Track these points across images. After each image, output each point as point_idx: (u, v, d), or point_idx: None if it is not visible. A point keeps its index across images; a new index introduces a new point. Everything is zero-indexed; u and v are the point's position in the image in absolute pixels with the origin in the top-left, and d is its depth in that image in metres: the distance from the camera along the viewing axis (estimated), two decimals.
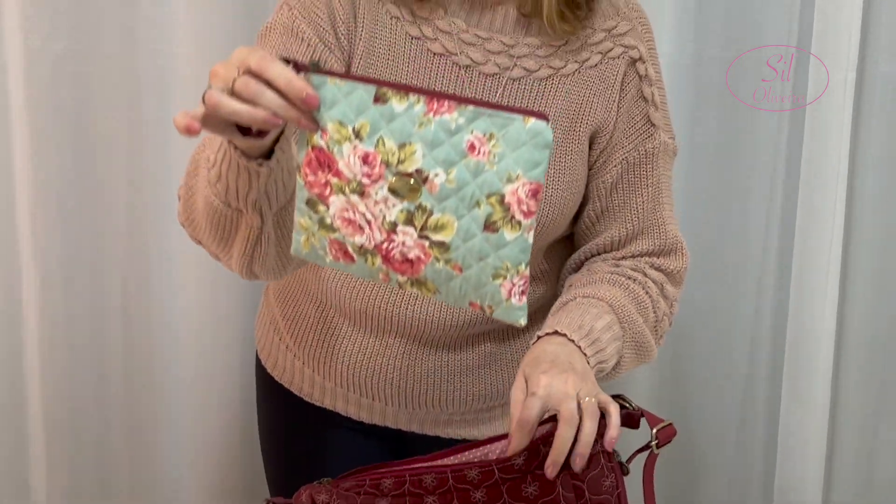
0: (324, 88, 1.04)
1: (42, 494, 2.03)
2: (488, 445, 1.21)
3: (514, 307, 1.08)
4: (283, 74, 1.02)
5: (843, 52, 1.81)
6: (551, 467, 1.13)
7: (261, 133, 1.08)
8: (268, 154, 1.13)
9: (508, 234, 1.05)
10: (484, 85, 1.39)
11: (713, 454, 2.07)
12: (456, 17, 1.39)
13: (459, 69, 1.38)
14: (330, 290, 1.45)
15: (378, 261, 1.10)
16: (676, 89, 1.81)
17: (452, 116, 1.03)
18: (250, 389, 1.69)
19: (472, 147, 1.03)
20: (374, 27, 1.37)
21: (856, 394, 2.01)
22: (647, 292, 1.42)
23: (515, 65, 1.40)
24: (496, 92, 1.39)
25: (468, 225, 1.05)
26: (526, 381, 1.18)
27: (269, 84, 1.02)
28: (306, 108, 1.04)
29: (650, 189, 1.44)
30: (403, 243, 1.08)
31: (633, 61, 1.44)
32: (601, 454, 1.16)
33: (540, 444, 1.16)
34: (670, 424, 1.21)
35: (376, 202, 1.07)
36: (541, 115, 1.01)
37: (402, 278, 1.10)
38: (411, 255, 1.08)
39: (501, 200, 1.04)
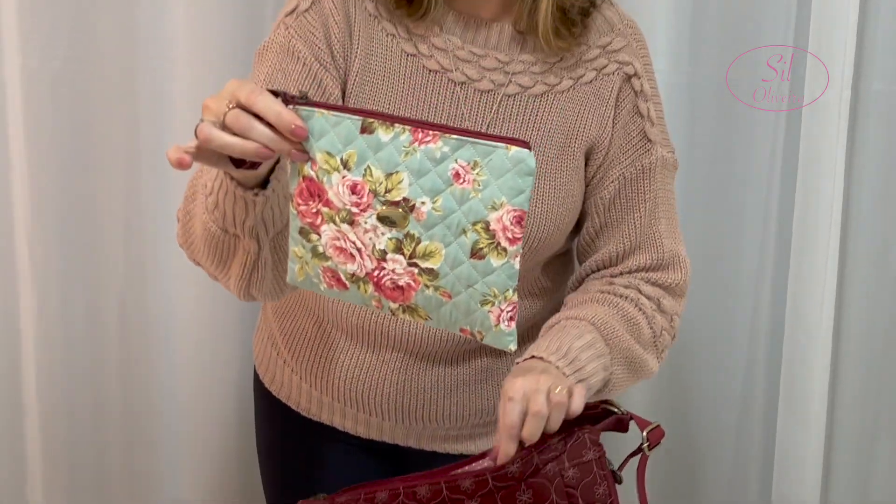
0: (312, 120, 1.06)
1: None
2: (478, 462, 1.23)
3: (503, 333, 1.10)
4: (272, 107, 1.04)
5: (840, 52, 1.82)
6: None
7: (254, 164, 1.10)
8: (263, 183, 1.15)
9: (495, 260, 1.06)
10: (479, 101, 1.40)
11: (711, 466, 2.07)
12: (451, 35, 1.40)
13: (455, 86, 1.39)
14: (327, 305, 1.46)
15: (370, 288, 1.12)
16: (671, 106, 1.81)
17: (437, 145, 1.04)
18: (248, 404, 1.70)
19: (457, 175, 1.05)
20: (369, 45, 1.38)
21: (852, 407, 2.01)
22: (639, 309, 1.42)
23: (510, 81, 1.41)
24: (491, 108, 1.40)
25: (455, 252, 1.07)
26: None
27: (258, 117, 1.04)
28: (295, 139, 1.05)
29: (647, 204, 1.45)
30: (393, 271, 1.09)
31: (628, 77, 1.45)
32: (594, 462, 1.17)
33: (534, 453, 1.18)
34: (658, 426, 1.23)
35: (366, 231, 1.08)
36: (523, 144, 1.03)
37: (394, 305, 1.12)
38: (401, 283, 1.10)
39: (487, 227, 1.05)
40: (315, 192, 1.09)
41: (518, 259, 1.06)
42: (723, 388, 2.03)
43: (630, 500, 1.23)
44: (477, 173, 1.04)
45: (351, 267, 1.11)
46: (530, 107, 1.41)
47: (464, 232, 1.06)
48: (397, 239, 1.08)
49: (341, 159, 1.07)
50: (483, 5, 1.40)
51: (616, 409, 1.24)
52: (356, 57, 1.38)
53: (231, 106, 1.04)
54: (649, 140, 1.45)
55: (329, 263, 1.12)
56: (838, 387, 2.00)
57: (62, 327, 1.96)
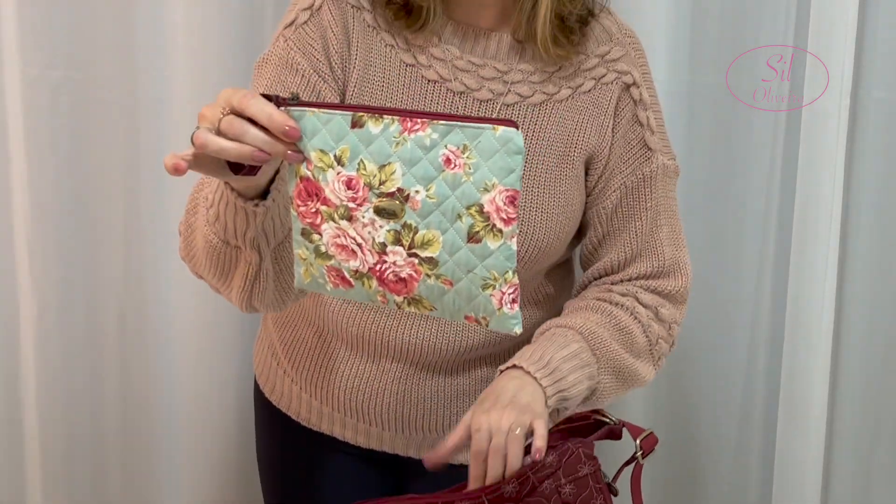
0: (304, 119, 1.07)
1: None
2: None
3: (507, 316, 1.09)
4: (264, 110, 1.04)
5: (839, 61, 1.82)
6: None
7: (252, 170, 1.10)
8: (264, 194, 1.16)
9: (491, 243, 1.06)
10: (478, 111, 1.40)
11: (711, 472, 2.07)
12: (450, 45, 1.40)
13: (454, 95, 1.40)
14: (327, 315, 1.46)
15: (374, 283, 1.12)
16: (671, 112, 1.81)
17: (426, 133, 1.05)
18: (248, 414, 1.70)
19: (447, 161, 1.05)
20: (368, 55, 1.39)
21: (852, 414, 2.00)
22: (634, 317, 1.42)
23: (509, 90, 1.41)
24: (490, 117, 1.40)
25: (453, 238, 1.07)
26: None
27: (253, 121, 1.05)
28: (289, 140, 1.06)
29: (649, 213, 1.45)
30: (395, 263, 1.09)
31: (627, 86, 1.45)
32: (589, 477, 1.17)
33: (529, 473, 1.18)
34: (651, 433, 1.24)
35: (364, 225, 1.09)
36: (510, 123, 1.03)
37: (398, 298, 1.12)
38: (403, 274, 1.10)
39: (481, 210, 1.05)
40: (312, 191, 1.09)
41: (514, 240, 1.06)
42: (722, 395, 2.03)
43: None
44: (467, 157, 1.04)
45: (353, 263, 1.11)
46: (529, 116, 1.42)
47: (459, 217, 1.06)
48: (395, 230, 1.08)
49: (335, 156, 1.07)
50: (482, 15, 1.41)
51: (608, 419, 1.25)
52: (355, 67, 1.38)
53: (225, 112, 1.05)
54: (649, 148, 1.46)
55: (332, 262, 1.12)
56: (838, 393, 1.99)
57: (62, 335, 1.95)
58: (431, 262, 1.08)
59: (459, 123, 1.04)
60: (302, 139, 1.07)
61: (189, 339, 1.97)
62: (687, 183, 1.77)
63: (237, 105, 1.05)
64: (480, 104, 1.40)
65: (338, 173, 1.07)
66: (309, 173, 1.08)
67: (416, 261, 1.09)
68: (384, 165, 1.06)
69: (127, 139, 1.90)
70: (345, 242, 1.10)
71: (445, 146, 1.05)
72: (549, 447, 1.20)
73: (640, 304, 1.44)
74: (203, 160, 1.06)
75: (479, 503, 1.17)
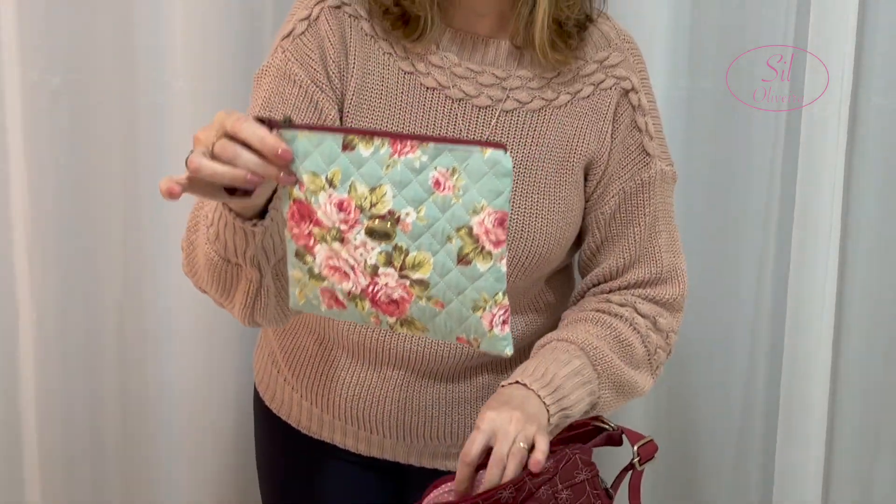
0: (296, 142, 1.08)
1: None
2: (440, 487, 1.25)
3: (498, 337, 1.10)
4: (256, 133, 1.05)
5: (838, 68, 1.82)
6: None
7: (246, 192, 1.11)
8: (262, 213, 1.17)
9: (481, 265, 1.07)
10: (477, 117, 1.40)
11: (711, 475, 2.07)
12: (448, 52, 1.40)
13: (452, 102, 1.40)
14: (328, 323, 1.46)
15: (367, 305, 1.12)
16: (670, 118, 1.81)
17: (416, 155, 1.05)
18: (247, 421, 1.70)
19: (437, 183, 1.06)
20: (366, 64, 1.39)
21: (853, 417, 2.01)
22: (633, 328, 1.43)
23: (508, 97, 1.41)
24: (489, 124, 1.40)
25: (443, 260, 1.08)
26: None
27: (245, 144, 1.05)
28: (281, 163, 1.07)
29: (647, 218, 1.45)
30: (387, 285, 1.10)
31: (626, 92, 1.45)
32: (586, 483, 1.18)
33: (526, 479, 1.18)
34: (651, 440, 1.24)
35: (356, 247, 1.10)
36: (498, 145, 1.04)
37: (391, 319, 1.12)
38: (395, 296, 1.11)
39: (470, 232, 1.06)
40: (305, 213, 1.10)
41: (504, 261, 1.07)
42: (722, 398, 2.03)
43: None
44: (456, 179, 1.05)
45: (346, 285, 1.12)
46: (528, 122, 1.42)
47: (449, 239, 1.07)
48: (387, 252, 1.09)
49: (326, 178, 1.08)
50: (480, 23, 1.41)
51: (607, 426, 1.25)
52: (353, 76, 1.38)
53: (219, 136, 1.06)
54: (648, 154, 1.46)
55: (326, 284, 1.13)
56: (839, 397, 1.99)
57: (61, 341, 1.95)
58: (423, 283, 1.09)
59: (449, 146, 1.05)
60: (294, 162, 1.08)
61: (188, 346, 1.97)
62: (686, 186, 1.78)
63: (230, 128, 1.06)
64: (479, 111, 1.40)
65: (329, 195, 1.08)
66: (302, 195, 1.09)
67: (408, 282, 1.09)
68: (375, 188, 1.07)
69: (126, 144, 1.90)
70: (337, 264, 1.11)
71: (435, 168, 1.05)
72: (548, 455, 1.20)
73: (639, 314, 1.44)
74: (198, 183, 1.07)
75: None
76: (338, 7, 1.39)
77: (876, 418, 2.00)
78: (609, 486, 1.24)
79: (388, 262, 1.09)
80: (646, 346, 1.43)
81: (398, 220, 1.07)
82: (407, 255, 1.08)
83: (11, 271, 1.92)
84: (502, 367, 1.49)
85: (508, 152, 1.04)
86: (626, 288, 1.46)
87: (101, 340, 1.98)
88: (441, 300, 1.09)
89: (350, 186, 1.07)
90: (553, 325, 1.48)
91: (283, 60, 1.38)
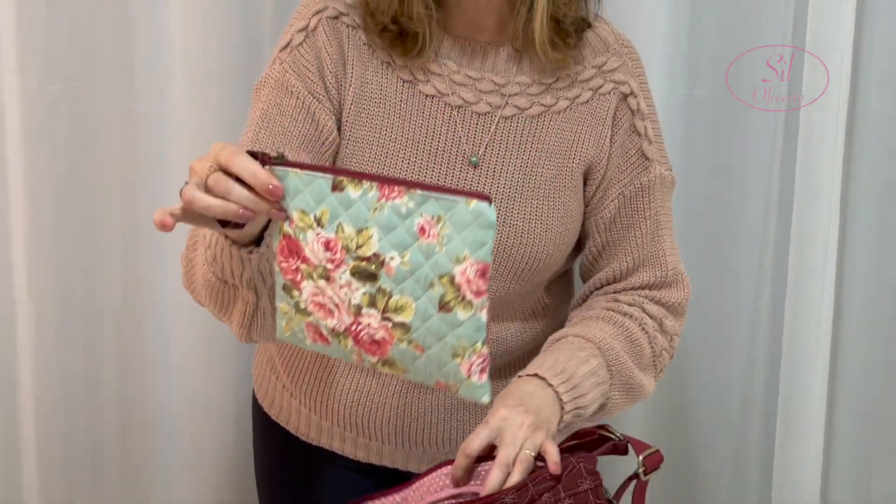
0: (287, 179, 1.09)
1: None
2: (438, 470, 1.24)
3: (475, 385, 1.11)
4: (248, 168, 1.07)
5: (836, 75, 1.82)
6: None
7: (238, 225, 1.12)
8: (258, 240, 1.18)
9: (461, 313, 1.08)
10: (476, 124, 1.40)
11: (710, 470, 2.06)
12: (447, 59, 1.40)
13: (451, 109, 1.40)
14: None
15: (350, 343, 1.14)
16: (669, 123, 1.81)
17: (403, 201, 1.07)
18: (246, 426, 1.69)
19: (422, 230, 1.07)
20: (364, 73, 1.39)
21: (852, 410, 2.00)
22: (643, 329, 1.42)
23: (507, 103, 1.41)
24: (488, 130, 1.40)
25: (425, 306, 1.09)
26: None
27: (237, 178, 1.07)
28: (272, 198, 1.08)
29: (648, 221, 1.45)
30: (369, 325, 1.12)
31: (625, 96, 1.45)
32: (590, 492, 1.17)
33: (528, 484, 1.17)
34: (657, 451, 1.23)
35: (341, 286, 1.11)
36: (483, 197, 1.05)
37: (373, 359, 1.14)
38: (378, 337, 1.12)
39: (452, 281, 1.07)
40: (294, 249, 1.12)
41: (485, 311, 1.08)
42: (721, 400, 2.02)
43: None
44: (441, 227, 1.06)
45: (331, 322, 1.14)
46: (527, 128, 1.42)
47: (431, 285, 1.08)
48: (370, 294, 1.10)
49: (315, 217, 1.10)
50: (479, 29, 1.41)
51: (613, 435, 1.24)
52: (351, 86, 1.39)
53: (213, 169, 1.08)
54: (647, 158, 1.46)
55: (311, 319, 1.15)
56: (837, 398, 1.99)
57: (59, 346, 1.95)
58: (404, 326, 1.11)
59: (435, 194, 1.06)
60: (285, 198, 1.10)
61: (187, 351, 1.97)
62: (685, 189, 1.78)
63: (223, 161, 1.07)
64: (478, 117, 1.40)
65: (317, 234, 1.10)
66: (291, 231, 1.11)
67: (390, 325, 1.11)
68: (362, 230, 1.09)
69: (125, 152, 1.90)
70: (323, 301, 1.13)
71: (421, 215, 1.06)
72: None
73: (647, 314, 1.44)
74: (192, 214, 1.09)
75: None
76: (335, 17, 1.40)
77: (874, 421, 2.00)
78: (612, 496, 1.23)
79: (372, 304, 1.11)
80: (652, 348, 1.43)
81: (383, 263, 1.09)
82: (390, 297, 1.10)
83: (10, 278, 1.92)
84: (503, 373, 1.49)
85: (493, 204, 1.05)
86: (632, 290, 1.46)
87: (99, 347, 1.98)
88: (421, 344, 1.11)
89: (337, 227, 1.09)
90: (551, 331, 1.48)
91: (280, 72, 1.39)
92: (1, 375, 1.96)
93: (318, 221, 1.09)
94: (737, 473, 2.04)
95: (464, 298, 1.07)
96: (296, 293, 1.14)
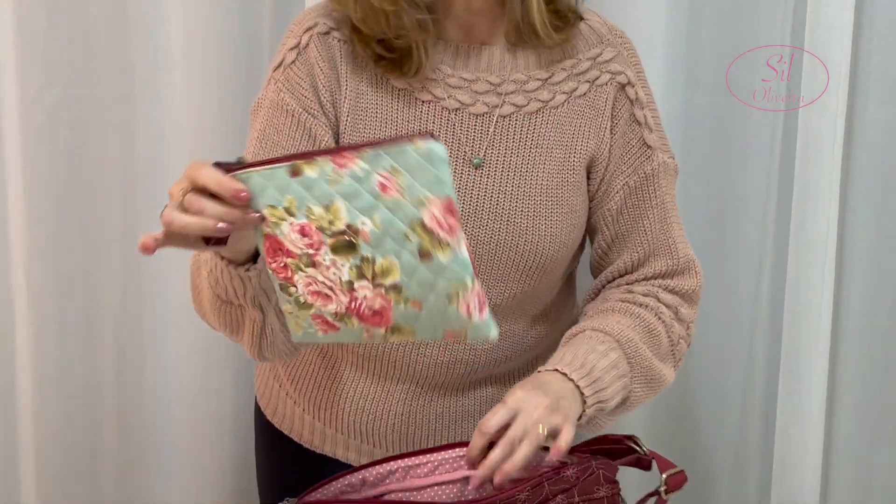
0: (251, 181, 1.10)
1: None
2: (446, 451, 1.24)
3: (479, 324, 1.10)
4: (213, 177, 1.09)
5: (834, 81, 1.81)
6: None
7: (220, 241, 1.14)
8: (255, 256, 1.20)
9: (442, 256, 1.07)
10: (474, 125, 1.40)
11: (709, 481, 2.06)
12: (441, 64, 1.40)
13: (448, 113, 1.40)
14: None
15: (355, 322, 1.14)
16: (667, 122, 1.79)
17: (358, 165, 1.06)
18: (246, 430, 1.70)
19: (383, 187, 1.06)
20: (358, 85, 1.39)
21: (852, 412, 1.99)
22: (659, 318, 1.42)
23: (504, 102, 1.41)
24: (487, 131, 1.40)
25: (408, 260, 1.09)
26: None
27: (207, 190, 1.09)
28: (240, 203, 1.09)
29: (656, 210, 1.45)
30: (365, 297, 1.12)
31: (622, 86, 1.45)
32: (605, 500, 1.17)
33: (544, 481, 1.17)
34: (682, 471, 1.21)
35: (327, 267, 1.12)
36: (426, 134, 1.04)
37: (381, 331, 1.14)
38: (376, 306, 1.12)
39: (424, 226, 1.06)
40: (276, 246, 1.13)
41: (463, 247, 1.07)
42: (721, 397, 2.00)
43: None
44: (399, 178, 1.05)
45: (331, 307, 1.14)
46: (526, 125, 1.41)
47: (407, 238, 1.07)
48: (356, 265, 1.11)
49: (284, 208, 1.10)
50: (472, 31, 1.41)
51: (639, 448, 1.23)
52: (346, 98, 1.39)
53: (186, 190, 1.09)
54: (649, 147, 1.45)
55: (313, 310, 1.15)
56: (837, 394, 1.98)
57: (58, 351, 1.95)
58: (396, 288, 1.10)
59: (384, 148, 1.05)
60: (253, 200, 1.10)
61: (185, 353, 1.97)
62: (685, 189, 1.76)
63: (191, 176, 1.09)
64: (476, 118, 1.40)
65: (291, 224, 1.11)
66: (269, 230, 1.12)
67: (383, 290, 1.11)
68: (329, 206, 1.09)
69: (124, 158, 1.91)
70: (318, 288, 1.14)
71: (377, 173, 1.06)
72: (572, 464, 1.19)
73: (662, 303, 1.43)
74: (174, 236, 1.11)
75: None
76: (326, 33, 1.39)
77: (874, 421, 1.99)
78: None
79: (361, 275, 1.11)
80: (670, 337, 1.42)
81: (357, 231, 1.09)
82: (374, 263, 1.10)
83: (9, 281, 1.92)
84: (507, 379, 1.49)
85: (439, 140, 1.04)
86: (645, 280, 1.46)
87: (98, 352, 1.98)
88: (418, 300, 1.10)
89: (307, 210, 1.09)
90: (553, 334, 1.48)
91: (275, 91, 1.40)
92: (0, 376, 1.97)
93: (288, 211, 1.10)
94: (737, 473, 2.03)
95: (439, 240, 1.06)
96: (292, 290, 1.15)
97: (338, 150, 1.07)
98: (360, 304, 1.13)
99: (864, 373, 1.97)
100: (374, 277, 1.10)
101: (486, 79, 1.40)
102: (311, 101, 1.38)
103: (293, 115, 1.38)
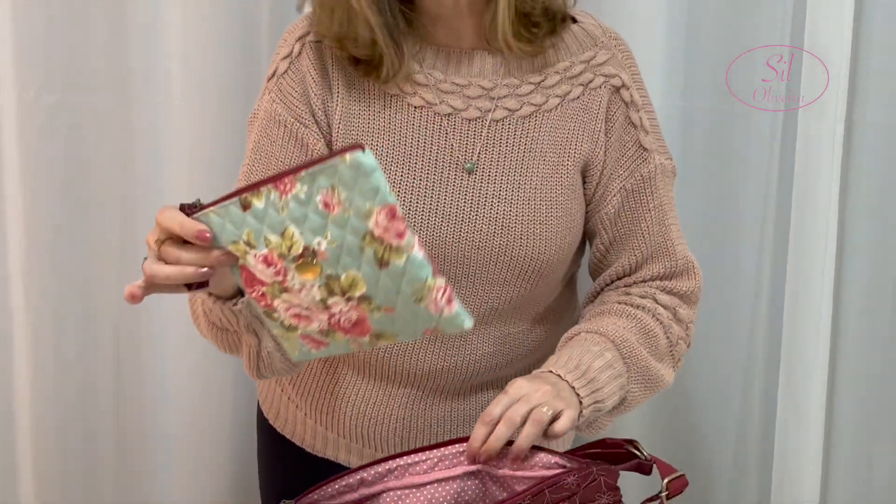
0: (209, 220, 1.12)
1: None
2: (445, 448, 1.24)
3: (450, 317, 1.11)
4: (175, 220, 1.12)
5: (833, 86, 1.80)
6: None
7: (201, 285, 1.16)
8: (242, 289, 1.20)
9: (398, 261, 1.08)
10: (467, 130, 1.40)
11: (709, 481, 2.06)
12: (433, 70, 1.40)
13: (441, 118, 1.40)
14: None
15: (340, 335, 1.16)
16: (665, 123, 1.79)
17: (298, 188, 1.07)
18: (245, 431, 1.70)
19: (326, 205, 1.07)
20: (350, 92, 1.40)
21: (851, 410, 1.99)
22: (657, 319, 1.42)
23: (497, 106, 1.41)
24: (480, 135, 1.40)
25: (368, 271, 1.09)
26: None
27: (175, 236, 1.11)
28: (202, 243, 1.11)
29: (654, 212, 1.45)
30: (341, 311, 1.13)
31: (617, 89, 1.44)
32: None
33: (545, 489, 1.16)
34: (682, 476, 1.20)
35: (298, 291, 1.13)
36: (354, 147, 1.04)
37: (365, 339, 1.15)
38: (354, 318, 1.13)
39: (373, 236, 1.07)
40: (250, 277, 1.14)
41: (416, 247, 1.07)
42: (720, 398, 2.00)
43: None
44: (338, 194, 1.06)
45: (314, 326, 1.16)
46: (519, 129, 1.41)
47: (361, 250, 1.08)
48: (323, 284, 1.11)
49: (244, 241, 1.11)
50: (461, 36, 1.41)
51: (640, 454, 1.22)
52: (338, 106, 1.39)
53: (160, 241, 1.13)
54: (645, 149, 1.45)
55: (300, 331, 1.17)
56: (837, 394, 1.97)
57: (56, 357, 1.96)
58: (366, 298, 1.11)
59: (317, 167, 1.05)
60: (216, 239, 1.12)
61: (185, 357, 1.97)
62: (685, 190, 1.76)
63: (158, 222, 1.12)
64: (469, 123, 1.40)
65: (255, 255, 1.12)
66: (241, 261, 1.13)
67: (355, 302, 1.12)
68: (283, 232, 1.09)
69: (122, 163, 1.91)
70: (297, 311, 1.15)
71: (317, 192, 1.07)
72: (572, 470, 1.18)
73: (660, 304, 1.44)
74: (157, 285, 1.14)
75: None
76: (319, 41, 1.40)
77: (873, 421, 1.98)
78: None
79: (331, 292, 1.12)
80: (668, 338, 1.43)
81: (315, 253, 1.10)
82: (339, 279, 1.11)
83: (7, 288, 1.92)
84: (507, 383, 1.49)
85: (367, 150, 1.04)
86: (643, 282, 1.46)
87: (97, 356, 1.98)
88: (388, 306, 1.11)
89: (265, 240, 1.10)
90: (555, 337, 1.48)
91: (269, 102, 1.41)
92: None
93: (248, 244, 1.11)
94: (736, 473, 2.03)
95: (391, 246, 1.07)
96: (276, 315, 1.16)
97: (278, 176, 1.08)
98: (339, 319, 1.14)
99: (864, 373, 1.97)
100: (343, 292, 1.11)
101: (479, 83, 1.40)
102: (303, 110, 1.39)
103: (286, 126, 1.39)
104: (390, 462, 1.25)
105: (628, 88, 1.45)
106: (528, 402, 1.20)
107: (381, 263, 1.08)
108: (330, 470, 1.50)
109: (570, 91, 1.43)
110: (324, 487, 1.23)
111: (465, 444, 1.23)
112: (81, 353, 1.98)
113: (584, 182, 1.45)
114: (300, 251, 1.10)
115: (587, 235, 1.49)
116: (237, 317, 1.24)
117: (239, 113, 1.72)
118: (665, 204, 1.46)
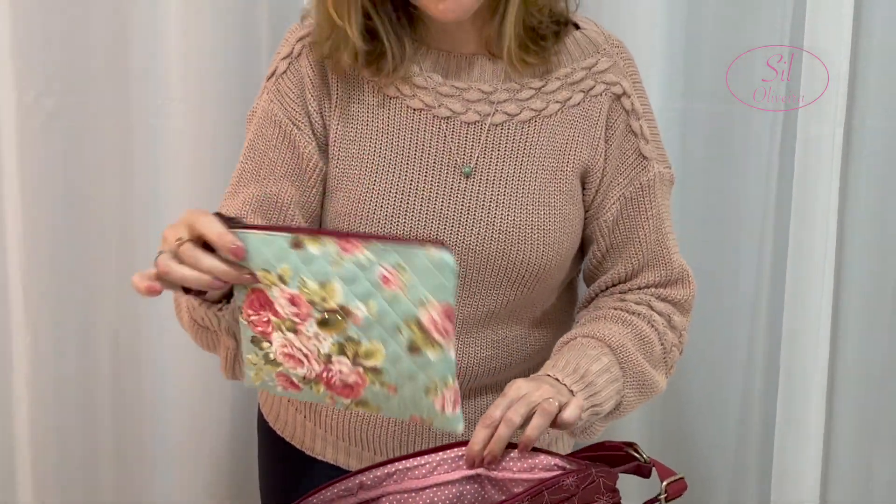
0: (248, 240, 1.11)
1: None
2: (444, 452, 1.24)
3: (449, 418, 1.13)
4: (213, 228, 1.10)
5: (833, 89, 1.80)
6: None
7: (201, 292, 1.16)
8: (229, 296, 1.21)
9: (431, 354, 1.09)
10: (466, 134, 1.40)
11: (708, 484, 2.06)
12: (433, 73, 1.40)
13: (440, 121, 1.39)
14: None
15: (322, 388, 1.16)
16: (665, 124, 1.79)
17: (364, 253, 1.08)
18: (245, 434, 1.69)
19: (385, 279, 1.08)
20: (349, 93, 1.40)
21: (851, 415, 1.99)
22: (652, 326, 1.42)
23: (496, 111, 1.41)
24: (479, 139, 1.40)
25: (395, 350, 1.10)
26: None
27: (199, 239, 1.10)
28: (234, 258, 1.10)
29: (652, 221, 1.45)
30: (340, 371, 1.14)
31: (618, 97, 1.44)
32: None
33: (544, 490, 1.16)
34: (682, 478, 1.20)
35: (309, 338, 1.13)
36: (439, 244, 1.06)
37: (346, 401, 1.16)
38: (350, 381, 1.14)
39: (419, 324, 1.08)
40: (264, 302, 1.14)
41: (453, 349, 1.09)
42: (720, 400, 2.00)
43: None
44: (403, 276, 1.07)
45: (301, 371, 1.16)
46: (518, 134, 1.41)
47: (399, 330, 1.09)
48: (339, 343, 1.12)
49: (277, 275, 1.11)
50: (462, 41, 1.41)
51: (639, 456, 1.22)
52: (336, 107, 1.40)
53: (182, 240, 1.11)
54: (645, 157, 1.45)
55: (281, 369, 1.17)
56: (836, 397, 1.97)
57: (55, 361, 1.95)
58: (376, 370, 1.12)
59: (393, 245, 1.07)
60: (247, 259, 1.11)
61: (184, 358, 1.96)
62: (684, 190, 1.77)
63: (189, 220, 1.10)
64: (468, 127, 1.40)
65: (281, 290, 1.12)
66: (260, 286, 1.13)
67: (361, 369, 1.13)
68: (325, 283, 1.10)
69: (121, 166, 1.90)
70: (292, 352, 1.15)
71: (382, 266, 1.07)
72: (571, 471, 1.18)
73: (655, 311, 1.44)
74: (165, 282, 1.12)
75: None
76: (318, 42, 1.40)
77: (873, 421, 1.98)
78: None
79: (342, 352, 1.13)
80: (662, 345, 1.43)
81: (349, 313, 1.10)
82: (360, 345, 1.11)
83: (6, 291, 1.92)
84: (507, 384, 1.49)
85: (452, 252, 1.05)
86: (638, 289, 1.46)
87: (96, 356, 1.98)
88: (394, 385, 1.13)
89: (300, 282, 1.11)
90: (555, 337, 1.47)
91: (266, 101, 1.41)
92: None
93: (281, 279, 1.11)
94: (736, 474, 2.03)
95: (433, 340, 1.08)
96: (265, 345, 1.16)
97: (346, 234, 1.08)
98: (333, 377, 1.15)
99: (864, 373, 1.97)
100: (355, 357, 1.12)
101: (478, 87, 1.40)
102: (298, 112, 1.39)
103: (280, 127, 1.39)
104: (389, 466, 1.25)
105: (629, 97, 1.45)
106: (528, 402, 1.20)
107: (413, 349, 1.09)
108: (330, 473, 1.52)
109: (571, 97, 1.43)
110: (322, 491, 1.23)
111: (464, 448, 1.23)
112: (81, 353, 1.97)
113: (583, 188, 1.45)
114: (334, 307, 1.10)
115: (584, 241, 1.49)
116: (219, 319, 1.23)
117: (239, 113, 1.72)
118: (663, 212, 1.46)
